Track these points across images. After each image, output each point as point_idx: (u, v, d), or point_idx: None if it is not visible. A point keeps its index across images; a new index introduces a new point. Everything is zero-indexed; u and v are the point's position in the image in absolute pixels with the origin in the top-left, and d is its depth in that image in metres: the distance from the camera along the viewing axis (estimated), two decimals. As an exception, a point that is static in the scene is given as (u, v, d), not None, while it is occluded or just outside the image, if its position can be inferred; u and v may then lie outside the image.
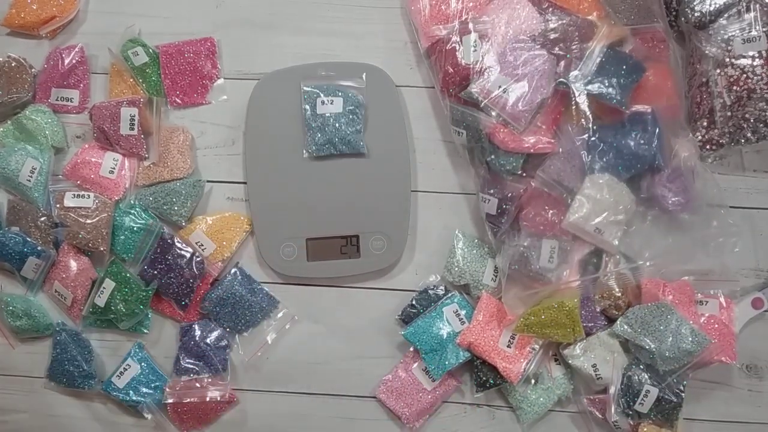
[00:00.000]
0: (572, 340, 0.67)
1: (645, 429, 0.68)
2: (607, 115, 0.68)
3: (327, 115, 0.71)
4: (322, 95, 0.71)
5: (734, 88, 0.67)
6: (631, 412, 0.68)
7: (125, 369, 0.72)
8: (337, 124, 0.70)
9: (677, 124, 0.70)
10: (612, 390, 0.68)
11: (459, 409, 0.73)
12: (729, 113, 0.68)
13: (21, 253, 0.71)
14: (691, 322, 0.67)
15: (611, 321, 0.69)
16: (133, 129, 0.72)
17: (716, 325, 0.68)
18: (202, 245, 0.73)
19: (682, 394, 0.67)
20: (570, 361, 0.69)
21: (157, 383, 0.72)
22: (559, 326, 0.66)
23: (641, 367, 0.68)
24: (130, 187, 0.74)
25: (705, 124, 0.70)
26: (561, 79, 0.67)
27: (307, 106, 0.71)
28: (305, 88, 0.72)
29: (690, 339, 0.65)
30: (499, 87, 0.66)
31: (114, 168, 0.73)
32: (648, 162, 0.67)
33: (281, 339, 0.74)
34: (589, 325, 0.69)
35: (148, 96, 0.75)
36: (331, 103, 0.71)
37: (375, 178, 0.72)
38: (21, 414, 0.75)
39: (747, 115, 0.67)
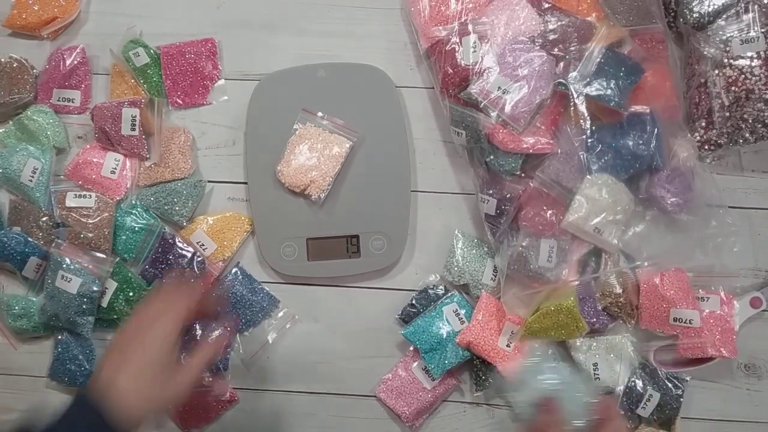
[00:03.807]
0: (578, 335, 0.68)
1: (645, 430, 0.69)
2: (605, 116, 0.68)
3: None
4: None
5: (732, 88, 0.67)
6: (631, 415, 0.69)
7: (126, 368, 0.72)
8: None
9: (676, 124, 0.70)
10: (618, 391, 0.68)
11: (458, 408, 0.73)
12: (727, 114, 0.68)
13: (22, 253, 0.72)
14: (692, 309, 0.67)
15: (614, 317, 0.70)
16: (134, 129, 0.73)
17: (717, 321, 0.69)
18: (203, 245, 0.73)
19: (682, 399, 0.68)
20: (572, 353, 0.69)
21: (158, 382, 0.72)
22: (563, 326, 0.67)
23: (647, 371, 0.69)
24: (132, 187, 0.74)
25: (703, 124, 0.70)
26: (560, 80, 0.67)
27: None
28: None
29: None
30: (499, 88, 0.67)
31: (115, 168, 0.74)
32: (647, 162, 0.67)
33: (282, 338, 0.74)
34: (592, 321, 0.69)
35: (149, 96, 0.75)
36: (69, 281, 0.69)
37: (375, 178, 0.73)
38: (23, 413, 0.75)
39: (745, 116, 0.68)
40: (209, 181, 0.76)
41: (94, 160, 0.74)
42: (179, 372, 0.57)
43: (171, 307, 0.58)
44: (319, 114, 0.72)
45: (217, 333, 0.72)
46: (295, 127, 0.72)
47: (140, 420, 0.54)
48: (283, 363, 0.74)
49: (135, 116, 0.72)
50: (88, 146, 0.75)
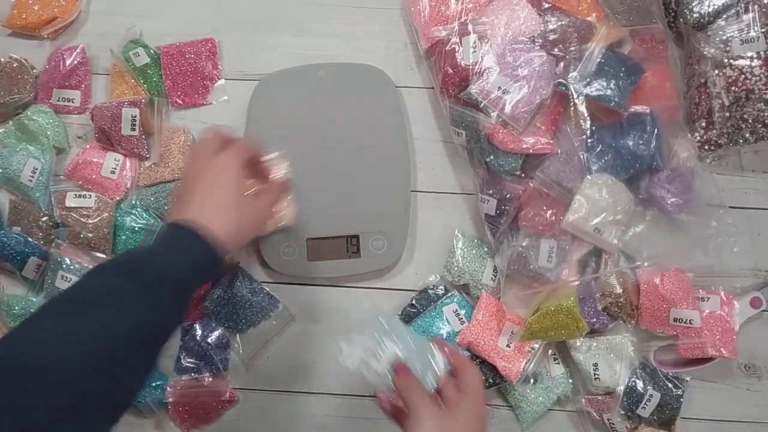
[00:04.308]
0: (578, 335, 0.68)
1: (645, 431, 0.69)
2: (605, 116, 0.68)
3: None
4: None
5: (733, 88, 0.67)
6: (632, 415, 0.69)
7: (126, 368, 0.72)
8: None
9: (676, 124, 0.70)
10: (618, 391, 0.68)
11: (459, 409, 0.73)
12: (727, 114, 0.68)
13: (22, 253, 0.72)
14: (692, 309, 0.68)
15: (614, 318, 0.70)
16: (134, 129, 0.72)
17: (717, 321, 0.69)
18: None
19: (682, 399, 0.68)
20: (573, 353, 0.69)
21: (158, 382, 0.72)
22: (563, 327, 0.67)
23: (647, 371, 0.69)
24: (132, 187, 0.74)
25: (703, 124, 0.70)
26: (560, 80, 0.67)
27: None
28: None
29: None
30: (499, 88, 0.66)
31: (115, 168, 0.74)
32: (647, 162, 0.67)
33: (281, 338, 0.74)
34: (593, 321, 0.69)
35: (149, 96, 0.75)
36: None
37: (375, 178, 0.73)
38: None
39: (745, 116, 0.68)
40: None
41: (94, 160, 0.74)
42: (258, 201, 0.59)
43: (231, 145, 0.60)
44: None
45: (217, 333, 0.73)
46: None
47: (227, 254, 0.56)
48: (283, 363, 0.74)
49: (135, 116, 0.72)
50: (87, 146, 0.75)
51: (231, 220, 0.56)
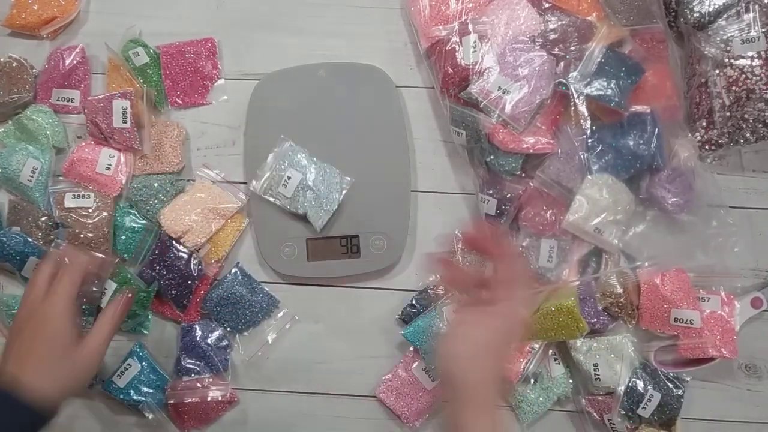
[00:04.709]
0: (579, 336, 0.68)
1: (646, 431, 0.69)
2: (606, 116, 0.68)
3: None
4: None
5: (733, 88, 0.67)
6: (632, 415, 0.69)
7: (126, 368, 0.72)
8: None
9: (676, 124, 0.70)
10: (619, 391, 0.68)
11: (459, 409, 0.73)
12: (728, 113, 0.68)
13: (22, 253, 0.71)
14: (692, 309, 0.68)
15: (615, 318, 0.70)
16: (125, 122, 0.72)
17: (718, 321, 0.69)
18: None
19: (682, 400, 0.68)
20: (573, 353, 0.69)
21: (158, 383, 0.72)
22: (563, 327, 0.67)
23: (647, 371, 0.69)
24: (127, 183, 0.74)
25: (704, 124, 0.70)
26: (560, 80, 0.67)
27: None
28: None
29: None
30: (499, 88, 0.66)
31: (110, 164, 0.73)
32: (647, 162, 0.67)
33: (281, 339, 0.74)
34: (593, 321, 0.69)
35: (141, 88, 0.74)
36: None
37: (375, 178, 0.72)
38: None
39: (746, 116, 0.68)
40: (212, 181, 0.76)
41: (89, 156, 0.73)
42: (86, 345, 0.57)
43: (57, 284, 0.58)
44: (216, 171, 0.74)
45: (216, 334, 0.72)
46: (192, 179, 0.74)
47: (59, 404, 0.54)
48: (283, 363, 0.74)
49: (125, 108, 0.71)
50: (83, 143, 0.75)
51: (54, 376, 0.54)
